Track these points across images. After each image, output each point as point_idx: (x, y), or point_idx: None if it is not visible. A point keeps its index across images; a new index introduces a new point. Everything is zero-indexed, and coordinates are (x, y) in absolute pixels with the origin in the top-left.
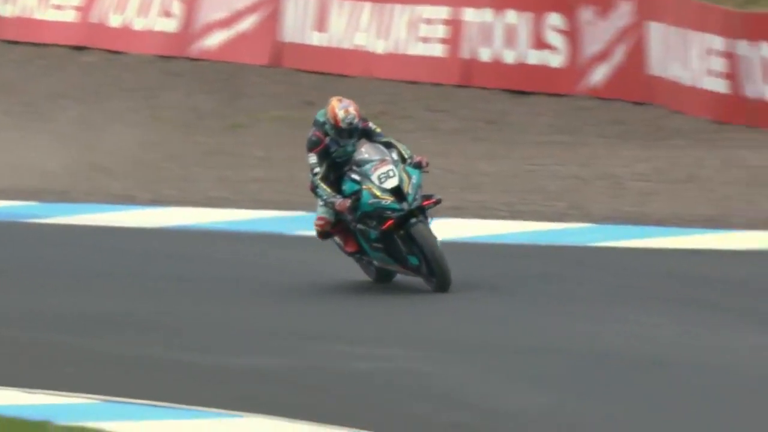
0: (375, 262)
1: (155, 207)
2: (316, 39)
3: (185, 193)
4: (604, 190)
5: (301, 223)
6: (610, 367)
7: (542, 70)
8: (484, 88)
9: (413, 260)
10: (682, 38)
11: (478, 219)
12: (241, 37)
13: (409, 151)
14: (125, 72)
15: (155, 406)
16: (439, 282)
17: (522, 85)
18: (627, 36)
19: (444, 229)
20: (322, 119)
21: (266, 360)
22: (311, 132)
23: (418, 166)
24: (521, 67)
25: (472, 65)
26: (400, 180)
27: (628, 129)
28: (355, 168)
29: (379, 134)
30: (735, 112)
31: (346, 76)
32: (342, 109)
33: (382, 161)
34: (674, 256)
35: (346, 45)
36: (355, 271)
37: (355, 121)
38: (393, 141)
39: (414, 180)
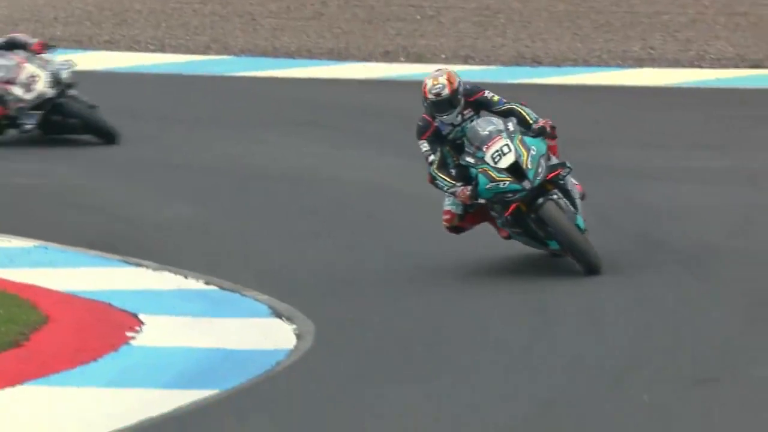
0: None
1: None
2: None
3: None
4: (241, 26)
5: None
6: (253, 182)
7: None
8: None
9: (553, 244)
10: None
11: (129, 52)
12: None
13: (534, 115)
14: None
15: None
16: (585, 267)
17: None
18: None
19: (98, 60)
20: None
21: None
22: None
23: (540, 133)
24: None
25: None
26: (518, 155)
27: None
28: (468, 149)
29: (497, 102)
30: None
31: None
32: (431, 78)
33: (496, 136)
34: (303, 84)
35: None
36: None
37: (445, 91)
38: (516, 107)
39: (534, 152)
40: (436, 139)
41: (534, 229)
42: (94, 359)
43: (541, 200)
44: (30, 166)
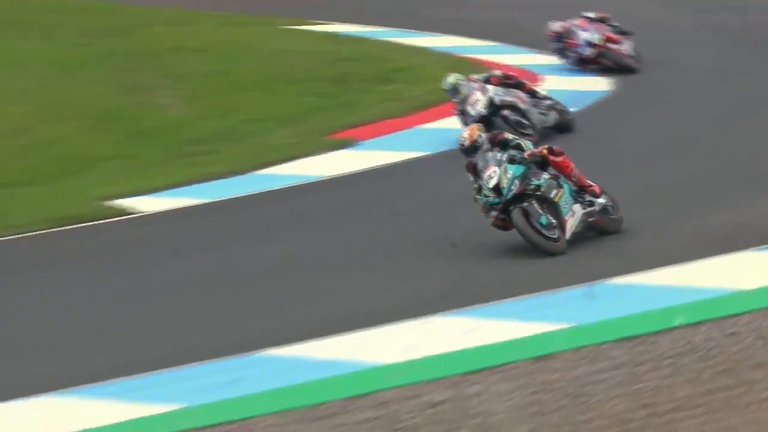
0: None
1: None
2: None
3: None
4: None
5: None
6: None
7: None
8: None
9: None
10: None
11: None
12: None
13: (529, 148)
14: None
15: None
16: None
17: None
18: None
19: None
20: None
21: None
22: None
23: (520, 161)
24: None
25: None
26: (499, 179)
27: None
28: (480, 176)
29: (511, 141)
30: None
31: None
32: (459, 135)
33: (490, 165)
34: None
35: None
36: None
37: (466, 143)
38: (520, 141)
39: (509, 175)
40: (476, 172)
41: None
42: None
43: (511, 208)
44: None
